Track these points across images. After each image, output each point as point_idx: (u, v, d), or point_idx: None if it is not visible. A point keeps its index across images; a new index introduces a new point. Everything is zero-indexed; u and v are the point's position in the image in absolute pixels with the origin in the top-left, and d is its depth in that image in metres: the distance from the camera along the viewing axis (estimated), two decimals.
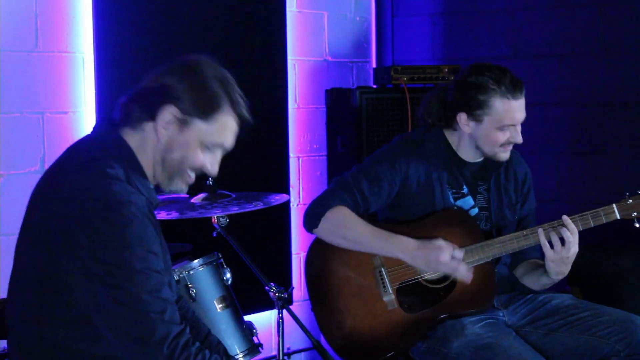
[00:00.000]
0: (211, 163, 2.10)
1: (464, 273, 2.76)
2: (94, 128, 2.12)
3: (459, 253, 2.76)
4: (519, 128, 2.86)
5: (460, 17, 4.52)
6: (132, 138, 2.05)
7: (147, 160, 2.06)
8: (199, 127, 2.05)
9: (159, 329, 1.91)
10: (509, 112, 2.80)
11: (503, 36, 4.36)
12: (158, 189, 2.14)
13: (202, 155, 2.07)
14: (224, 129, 2.10)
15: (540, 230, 2.75)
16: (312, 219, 2.87)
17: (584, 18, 4.15)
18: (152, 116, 2.03)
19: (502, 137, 2.84)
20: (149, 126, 2.04)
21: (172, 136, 2.04)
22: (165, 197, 3.24)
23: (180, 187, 2.11)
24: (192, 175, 2.11)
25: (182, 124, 2.04)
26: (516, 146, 2.93)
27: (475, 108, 2.82)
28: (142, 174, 2.05)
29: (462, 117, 2.86)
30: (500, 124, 2.81)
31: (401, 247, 2.79)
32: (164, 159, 2.06)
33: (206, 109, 2.05)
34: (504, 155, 2.89)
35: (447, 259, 2.74)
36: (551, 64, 4.24)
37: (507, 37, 4.35)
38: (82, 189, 1.94)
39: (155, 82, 2.05)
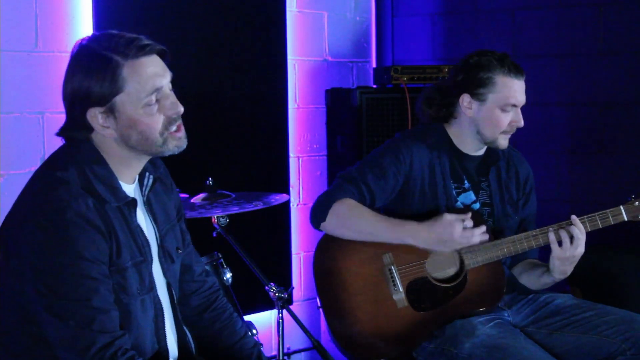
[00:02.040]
0: (168, 106, 2.04)
1: (480, 238, 2.75)
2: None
3: (469, 221, 2.75)
4: (520, 112, 2.87)
5: (460, 17, 4.52)
6: (95, 137, 2.05)
7: (113, 156, 2.06)
8: (124, 100, 1.99)
9: (84, 338, 1.92)
10: (512, 89, 2.83)
11: (503, 36, 4.36)
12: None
13: (149, 118, 2.02)
14: (140, 76, 2.00)
15: (551, 229, 2.77)
16: (319, 213, 2.87)
17: (584, 18, 4.15)
18: (88, 126, 2.02)
19: (505, 119, 2.85)
20: (96, 135, 2.04)
21: (115, 126, 2.01)
22: None
23: (172, 149, 2.06)
24: (176, 135, 2.05)
25: (110, 112, 2.00)
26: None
27: (479, 86, 2.84)
28: (106, 168, 2.03)
29: (464, 99, 2.88)
30: (504, 102, 2.83)
31: (412, 232, 2.78)
32: (128, 145, 2.04)
33: (110, 80, 1.97)
34: (504, 142, 2.90)
35: (460, 232, 2.73)
36: (551, 64, 4.24)
37: (507, 37, 4.35)
38: (28, 195, 1.99)
39: (67, 94, 2.03)
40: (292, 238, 4.33)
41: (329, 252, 2.91)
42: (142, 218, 2.15)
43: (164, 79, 2.04)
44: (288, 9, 4.25)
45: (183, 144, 2.08)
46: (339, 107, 4.30)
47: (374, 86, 4.34)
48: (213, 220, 3.17)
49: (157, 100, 2.03)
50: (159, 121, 2.03)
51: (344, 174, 2.94)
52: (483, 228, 2.76)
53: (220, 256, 3.23)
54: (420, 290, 2.86)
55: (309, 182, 4.43)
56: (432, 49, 4.60)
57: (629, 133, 4.08)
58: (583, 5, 4.15)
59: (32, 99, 3.42)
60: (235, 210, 3.07)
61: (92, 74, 1.98)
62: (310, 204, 2.95)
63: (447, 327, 2.81)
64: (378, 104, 4.20)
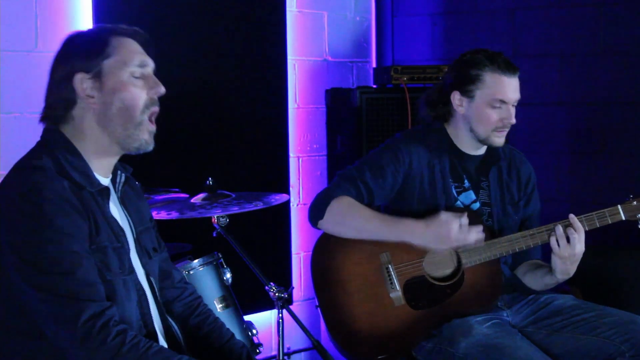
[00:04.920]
0: (151, 84, 2.10)
1: (476, 238, 2.75)
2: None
3: (465, 220, 2.75)
4: (512, 109, 2.88)
5: (460, 17, 4.52)
6: (66, 128, 2.09)
7: (89, 142, 2.08)
8: (111, 65, 2.06)
9: (71, 308, 1.91)
10: (500, 85, 2.84)
11: (503, 36, 4.36)
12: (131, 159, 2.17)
13: (134, 88, 2.07)
14: (128, 49, 2.09)
15: (547, 229, 2.78)
16: (317, 211, 2.87)
17: (584, 18, 4.15)
18: (71, 98, 2.06)
19: (494, 115, 2.86)
20: (77, 110, 2.07)
21: (99, 94, 2.05)
22: (164, 197, 3.25)
23: (144, 139, 2.09)
24: (150, 125, 2.10)
25: (97, 77, 2.05)
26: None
27: (468, 83, 2.87)
28: (79, 158, 2.06)
29: (455, 96, 2.91)
30: (491, 97, 2.85)
31: (409, 229, 2.78)
32: (107, 118, 2.06)
33: (100, 45, 2.07)
34: (499, 140, 2.91)
35: (456, 230, 2.72)
36: (551, 64, 4.24)
37: (507, 37, 4.35)
38: (6, 185, 2.01)
39: (54, 66, 2.11)
40: (292, 238, 4.33)
41: (327, 251, 2.92)
42: (116, 211, 2.17)
43: (149, 60, 2.12)
44: (288, 9, 4.25)
45: (151, 142, 2.11)
46: (339, 107, 4.30)
47: (374, 86, 4.34)
48: (213, 220, 3.17)
49: (142, 77, 2.09)
50: (142, 96, 2.08)
51: (342, 172, 2.94)
52: (479, 228, 2.76)
53: (220, 256, 3.23)
54: (418, 288, 2.86)
55: (309, 182, 4.43)
56: (432, 49, 4.60)
57: (629, 133, 4.09)
58: (583, 5, 4.15)
59: (32, 99, 3.39)
60: (235, 210, 3.07)
61: (81, 44, 2.09)
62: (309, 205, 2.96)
63: (445, 326, 2.81)
64: (378, 104, 4.20)
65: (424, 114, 3.03)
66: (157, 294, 2.23)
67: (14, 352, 2.01)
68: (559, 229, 2.75)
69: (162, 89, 2.11)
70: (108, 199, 2.13)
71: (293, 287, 3.89)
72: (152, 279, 2.21)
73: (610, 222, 2.82)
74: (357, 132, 4.18)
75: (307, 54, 4.39)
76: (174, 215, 3.00)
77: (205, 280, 3.09)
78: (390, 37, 4.70)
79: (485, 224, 2.95)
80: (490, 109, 2.86)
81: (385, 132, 4.16)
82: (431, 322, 2.84)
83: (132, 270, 2.12)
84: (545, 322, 2.87)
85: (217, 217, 3.16)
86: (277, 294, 3.03)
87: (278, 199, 3.21)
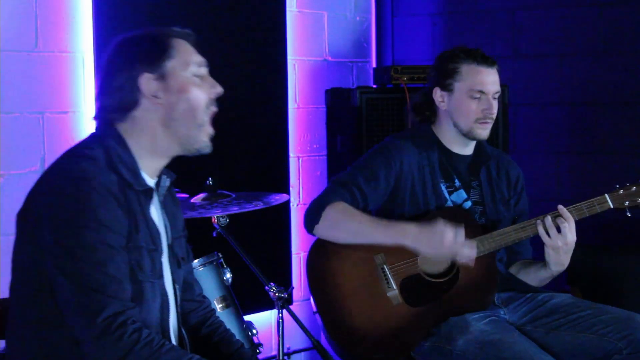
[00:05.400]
0: (210, 84, 2.13)
1: (467, 254, 2.75)
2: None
3: (461, 234, 2.76)
4: (494, 102, 2.92)
5: (460, 17, 4.52)
6: (122, 126, 2.09)
7: (146, 141, 2.09)
8: (174, 65, 2.08)
9: (95, 301, 1.92)
10: (477, 75, 2.91)
11: (503, 36, 4.36)
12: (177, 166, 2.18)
13: (197, 89, 2.09)
14: (186, 50, 2.12)
15: (538, 222, 2.82)
16: (312, 216, 2.88)
17: (584, 18, 4.15)
18: (136, 99, 2.06)
19: (474, 105, 2.91)
20: (139, 110, 2.08)
21: (165, 94, 2.07)
22: None
23: (204, 141, 2.12)
24: (209, 127, 2.12)
25: (162, 78, 2.07)
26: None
27: (446, 77, 2.94)
28: (130, 155, 2.07)
29: (437, 93, 2.97)
30: (469, 88, 2.90)
31: (404, 233, 2.79)
32: (171, 118, 2.08)
33: (161, 46, 2.09)
34: (483, 132, 2.95)
35: (451, 240, 2.73)
36: (551, 64, 4.24)
37: (507, 37, 4.35)
38: (54, 169, 2.02)
39: (112, 83, 2.09)
40: (292, 238, 4.33)
41: (322, 255, 2.93)
42: (156, 214, 2.17)
43: (205, 60, 2.16)
44: (288, 9, 4.25)
45: (210, 144, 2.14)
46: (339, 107, 4.30)
47: (374, 86, 4.34)
48: (213, 220, 3.17)
49: (201, 77, 2.12)
50: (204, 97, 2.10)
51: (335, 178, 2.97)
52: (473, 244, 2.78)
53: (220, 256, 3.23)
54: (414, 286, 2.87)
55: (309, 182, 4.43)
56: (432, 49, 4.60)
57: (629, 133, 4.09)
58: (583, 6, 4.15)
59: (32, 99, 3.42)
60: (235, 210, 3.07)
61: (143, 45, 2.09)
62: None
63: (443, 324, 2.82)
64: (378, 104, 4.20)
65: (412, 119, 3.10)
66: (179, 302, 2.24)
67: (34, 337, 2.01)
68: (548, 220, 2.79)
69: (220, 89, 2.13)
70: (150, 200, 2.14)
71: (293, 287, 3.90)
72: (176, 286, 2.22)
73: (599, 210, 2.86)
74: (357, 132, 4.18)
75: (307, 54, 4.39)
76: None
77: (205, 280, 3.09)
78: (390, 37, 4.71)
79: (479, 222, 2.97)
80: (470, 99, 2.91)
81: (385, 132, 4.16)
82: (429, 320, 2.84)
83: (161, 275, 2.13)
84: (542, 321, 2.88)
85: (217, 217, 3.16)
86: (277, 294, 3.03)
87: (278, 199, 3.22)
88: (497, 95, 2.96)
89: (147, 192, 2.11)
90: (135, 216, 2.04)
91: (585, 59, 4.17)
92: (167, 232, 2.21)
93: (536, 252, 3.01)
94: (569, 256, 2.81)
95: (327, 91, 4.38)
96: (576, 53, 4.19)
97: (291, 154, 4.31)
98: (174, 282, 2.21)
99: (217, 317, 2.42)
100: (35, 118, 3.43)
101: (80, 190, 1.94)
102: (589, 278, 3.66)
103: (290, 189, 4.31)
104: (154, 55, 2.07)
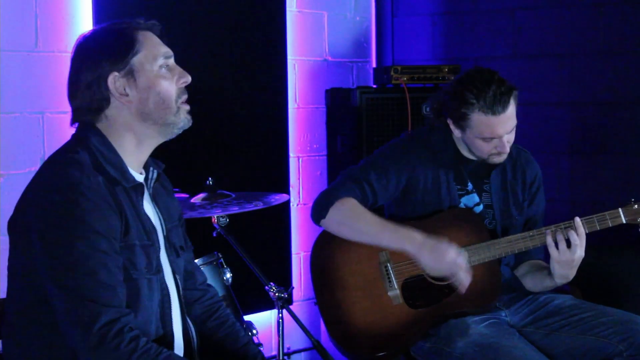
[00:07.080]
0: (179, 75, 2.12)
1: (462, 279, 2.75)
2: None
3: (463, 258, 2.76)
4: (506, 139, 2.82)
5: (460, 17, 4.52)
6: (101, 125, 2.09)
7: (127, 137, 2.09)
8: (141, 60, 2.07)
9: (89, 311, 1.91)
10: (488, 126, 2.78)
11: (503, 36, 4.36)
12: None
13: (166, 82, 2.09)
14: (152, 42, 2.12)
15: (547, 232, 2.76)
16: (320, 209, 2.88)
17: (584, 18, 4.15)
18: (106, 98, 2.06)
19: (487, 147, 2.84)
20: (111, 109, 2.07)
21: (134, 91, 2.06)
22: None
23: (183, 121, 2.11)
24: (185, 106, 2.12)
25: (130, 74, 2.06)
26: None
27: (458, 119, 2.83)
28: (115, 153, 2.07)
29: (450, 122, 2.89)
30: (481, 136, 2.82)
31: (409, 239, 2.78)
32: (145, 112, 2.08)
33: (127, 41, 2.08)
34: (498, 159, 2.88)
35: (452, 258, 2.73)
36: (551, 64, 4.24)
37: (507, 37, 4.35)
38: (41, 178, 2.01)
39: (81, 84, 2.08)
40: (292, 238, 4.33)
41: (326, 250, 2.93)
42: (150, 208, 2.17)
43: (171, 51, 2.16)
44: (288, 9, 4.25)
45: (190, 119, 2.13)
46: (339, 107, 4.30)
47: (374, 86, 4.34)
48: (213, 220, 3.17)
49: (169, 69, 2.11)
50: (173, 88, 2.10)
51: (347, 172, 2.95)
52: (470, 273, 2.74)
53: (220, 256, 3.23)
54: (416, 287, 2.87)
55: (309, 182, 4.43)
56: (432, 49, 4.60)
57: (629, 133, 4.08)
58: (583, 5, 4.15)
59: (32, 99, 3.42)
60: (235, 210, 3.07)
61: (108, 43, 2.08)
62: (311, 204, 2.96)
63: (442, 326, 2.82)
64: (378, 104, 4.20)
65: (429, 121, 3.04)
66: (181, 292, 2.22)
67: (31, 341, 2.01)
68: (559, 233, 2.73)
69: (189, 78, 2.13)
70: (142, 196, 2.13)
71: (293, 287, 3.89)
72: (177, 277, 2.21)
73: (610, 225, 2.80)
74: (357, 132, 4.18)
75: (307, 54, 4.39)
76: None
77: None
78: (390, 37, 4.70)
79: (489, 226, 2.95)
80: (481, 141, 2.83)
81: (385, 132, 4.16)
82: (429, 322, 2.84)
83: (159, 270, 2.12)
84: (543, 322, 2.87)
85: (217, 217, 3.16)
86: (277, 294, 3.03)
87: (278, 199, 3.21)
88: (512, 130, 2.83)
89: (137, 188, 2.10)
90: (126, 215, 2.03)
91: (585, 59, 4.17)
92: (162, 225, 2.19)
93: (545, 255, 2.99)
94: (574, 271, 2.77)
95: (327, 91, 4.38)
96: (576, 53, 4.19)
97: (291, 154, 4.31)
98: (174, 273, 2.20)
99: (225, 309, 2.40)
100: (35, 118, 3.43)
101: (68, 198, 1.93)
102: (589, 278, 3.65)
103: (290, 189, 4.30)
104: (120, 52, 2.06)
